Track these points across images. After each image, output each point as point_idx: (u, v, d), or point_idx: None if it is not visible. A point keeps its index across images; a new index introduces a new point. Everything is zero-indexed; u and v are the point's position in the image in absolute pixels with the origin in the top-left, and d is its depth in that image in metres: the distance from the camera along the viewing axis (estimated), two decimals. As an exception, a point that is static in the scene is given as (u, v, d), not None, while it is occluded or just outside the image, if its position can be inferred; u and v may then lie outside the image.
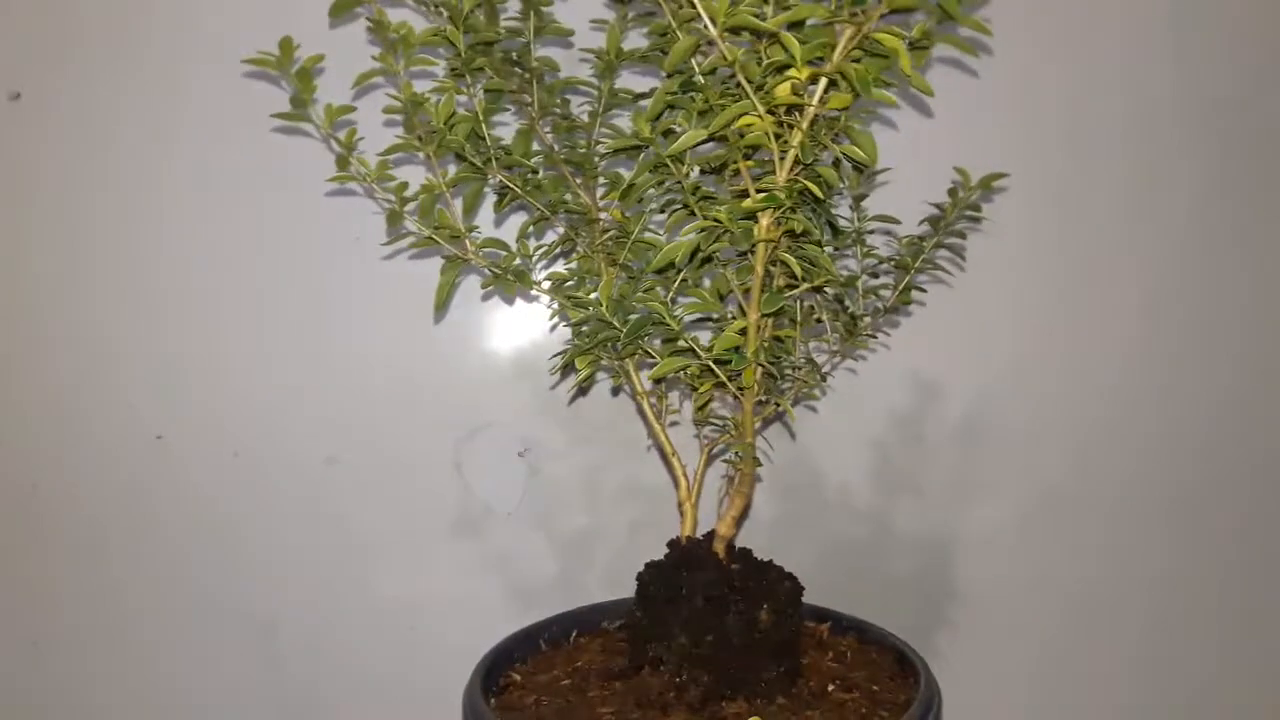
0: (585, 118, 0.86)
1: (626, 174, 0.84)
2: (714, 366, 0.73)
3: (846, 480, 1.11)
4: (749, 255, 0.70)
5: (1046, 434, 1.13)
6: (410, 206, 0.78)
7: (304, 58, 0.73)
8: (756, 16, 0.57)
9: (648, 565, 0.84)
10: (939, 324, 1.08)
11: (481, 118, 0.76)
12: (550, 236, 0.87)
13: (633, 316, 0.74)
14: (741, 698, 0.77)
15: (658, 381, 0.81)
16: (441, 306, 0.82)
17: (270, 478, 1.06)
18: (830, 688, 0.82)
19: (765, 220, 0.66)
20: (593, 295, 0.78)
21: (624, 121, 0.87)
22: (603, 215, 0.83)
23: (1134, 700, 1.18)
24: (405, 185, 0.77)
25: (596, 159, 0.85)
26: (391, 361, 1.06)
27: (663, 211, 0.81)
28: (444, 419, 1.07)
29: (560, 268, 0.85)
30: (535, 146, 0.83)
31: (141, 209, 1.03)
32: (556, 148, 0.84)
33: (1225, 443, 1.15)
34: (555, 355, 0.84)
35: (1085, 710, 1.17)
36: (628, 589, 0.95)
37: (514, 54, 0.80)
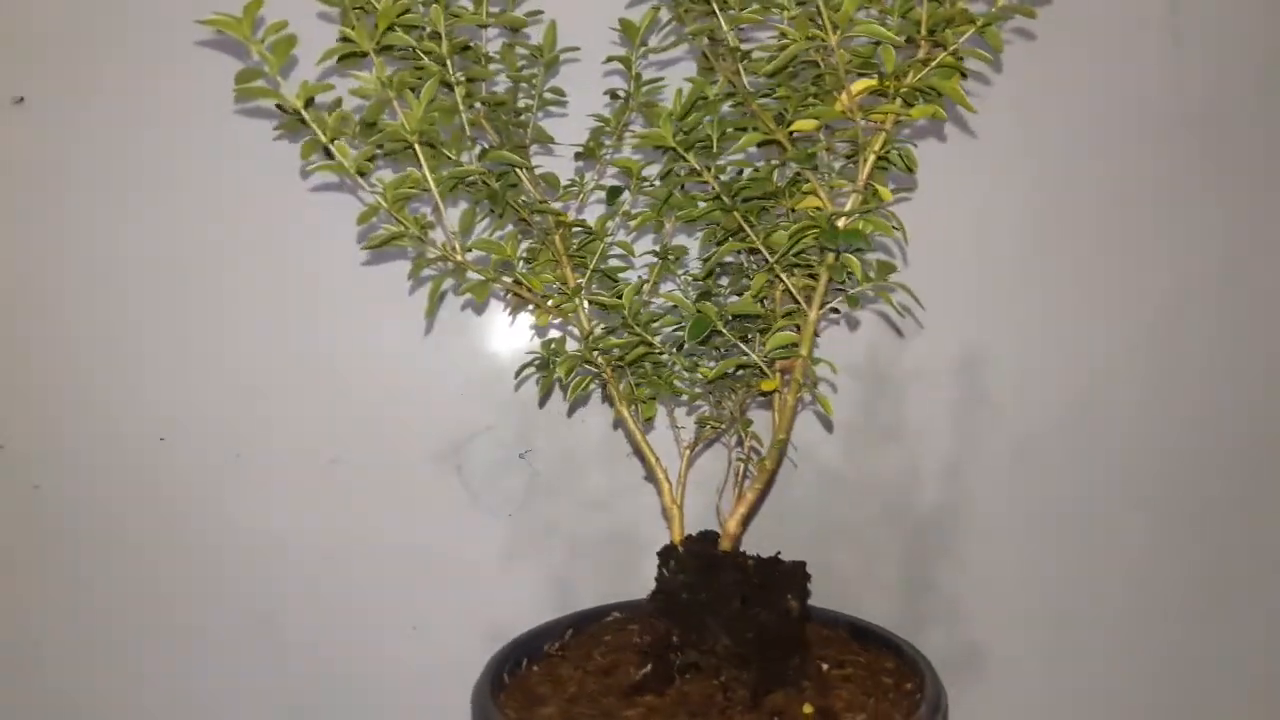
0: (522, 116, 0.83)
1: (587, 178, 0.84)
2: (763, 365, 0.76)
3: (836, 474, 1.12)
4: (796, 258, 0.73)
5: (1047, 434, 1.13)
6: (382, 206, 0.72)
7: (268, 23, 0.65)
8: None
9: (674, 574, 0.82)
10: (938, 323, 1.08)
11: (461, 106, 0.71)
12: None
13: (684, 319, 0.76)
14: (780, 690, 0.78)
15: (713, 381, 0.81)
16: (432, 313, 0.81)
17: (273, 479, 1.06)
18: (825, 667, 0.84)
19: (841, 222, 0.68)
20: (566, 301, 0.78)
21: (556, 122, 0.86)
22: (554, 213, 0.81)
23: (1135, 700, 1.18)
24: (404, 179, 0.71)
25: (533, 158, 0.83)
26: (394, 363, 1.06)
27: (631, 216, 0.81)
28: (446, 420, 1.07)
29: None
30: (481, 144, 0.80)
31: (143, 210, 1.03)
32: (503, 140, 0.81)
33: (1227, 442, 1.15)
34: (523, 367, 0.86)
35: (1084, 711, 1.17)
36: (614, 596, 0.97)
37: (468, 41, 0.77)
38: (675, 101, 0.74)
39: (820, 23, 0.63)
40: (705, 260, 0.80)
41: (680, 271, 0.86)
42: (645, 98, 0.83)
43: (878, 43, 0.64)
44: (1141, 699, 1.18)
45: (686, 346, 0.79)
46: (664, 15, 0.81)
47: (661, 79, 0.84)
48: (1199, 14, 1.10)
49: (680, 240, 0.91)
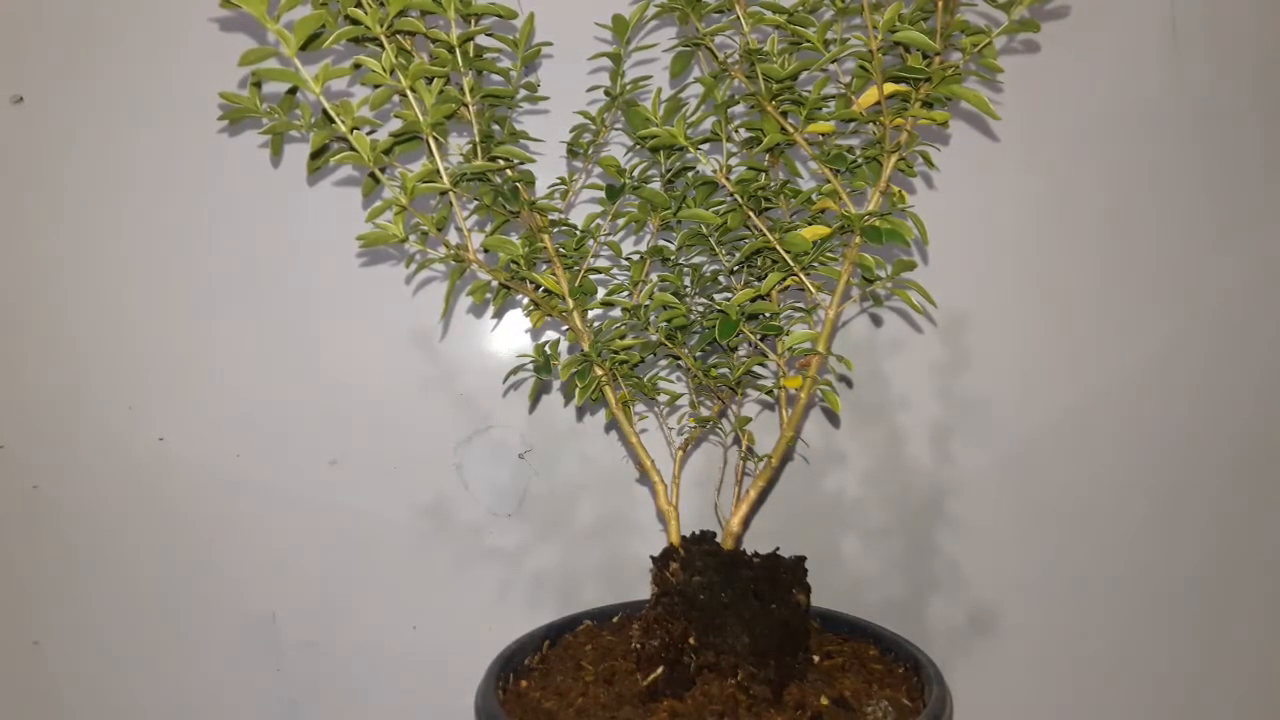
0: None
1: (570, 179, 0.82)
2: (780, 362, 0.77)
3: (826, 470, 1.12)
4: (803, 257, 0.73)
5: (1047, 435, 1.13)
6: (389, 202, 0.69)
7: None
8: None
9: (688, 575, 0.81)
10: (940, 321, 1.10)
11: (469, 97, 0.69)
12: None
13: (692, 318, 0.76)
14: (794, 683, 0.78)
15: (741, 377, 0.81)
16: (448, 312, 0.80)
17: (273, 479, 1.06)
18: (817, 658, 0.84)
19: (857, 227, 0.70)
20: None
21: (539, 119, 0.84)
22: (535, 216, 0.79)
23: (1137, 703, 1.17)
24: (427, 173, 0.67)
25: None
26: (394, 363, 1.06)
27: (619, 215, 0.81)
28: (445, 421, 1.07)
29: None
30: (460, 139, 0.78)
31: (142, 210, 1.03)
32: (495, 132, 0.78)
33: (1227, 439, 1.15)
34: (514, 370, 0.85)
35: (1084, 694, 1.17)
36: (613, 597, 0.97)
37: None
38: (654, 101, 0.74)
39: (834, 34, 0.64)
40: (729, 259, 0.80)
41: (677, 270, 0.85)
42: (630, 94, 0.81)
43: (905, 47, 0.65)
44: (1141, 698, 1.18)
45: (691, 346, 0.79)
46: (649, 13, 0.79)
47: (649, 76, 0.84)
48: (1199, 14, 1.10)
49: (662, 242, 0.91)
